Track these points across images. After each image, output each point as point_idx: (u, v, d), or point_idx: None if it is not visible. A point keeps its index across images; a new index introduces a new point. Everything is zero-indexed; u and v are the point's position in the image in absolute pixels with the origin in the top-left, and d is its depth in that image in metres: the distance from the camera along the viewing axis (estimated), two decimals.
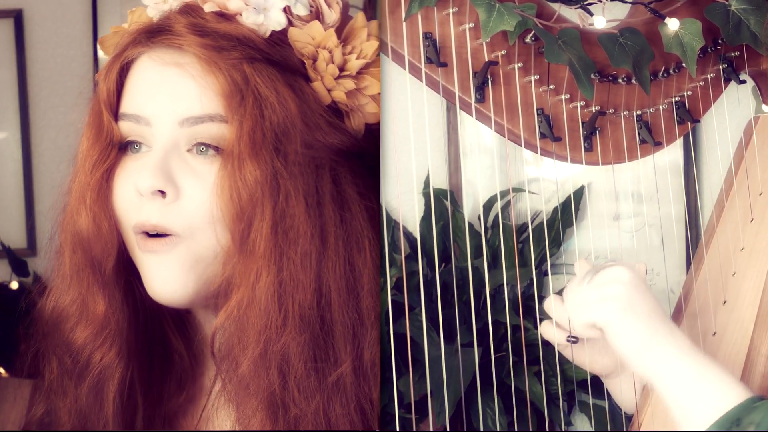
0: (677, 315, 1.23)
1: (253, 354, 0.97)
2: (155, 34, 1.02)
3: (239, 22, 1.02)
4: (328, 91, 1.02)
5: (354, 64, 1.03)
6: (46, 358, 1.09)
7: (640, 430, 1.14)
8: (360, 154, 1.03)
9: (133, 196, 1.01)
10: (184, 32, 1.01)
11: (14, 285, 1.99)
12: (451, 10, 1.11)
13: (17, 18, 2.21)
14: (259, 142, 0.98)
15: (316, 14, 1.05)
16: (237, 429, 1.00)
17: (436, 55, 1.11)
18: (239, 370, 0.98)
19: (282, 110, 0.99)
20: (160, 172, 0.99)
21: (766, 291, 1.18)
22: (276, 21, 1.02)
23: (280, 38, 1.03)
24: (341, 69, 1.02)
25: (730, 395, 0.98)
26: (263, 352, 0.97)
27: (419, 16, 1.10)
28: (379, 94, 1.04)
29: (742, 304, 1.19)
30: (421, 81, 1.12)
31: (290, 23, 1.03)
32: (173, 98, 1.00)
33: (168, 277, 1.01)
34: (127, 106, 1.03)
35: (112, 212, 1.03)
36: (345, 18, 1.06)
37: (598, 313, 1.05)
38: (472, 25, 1.11)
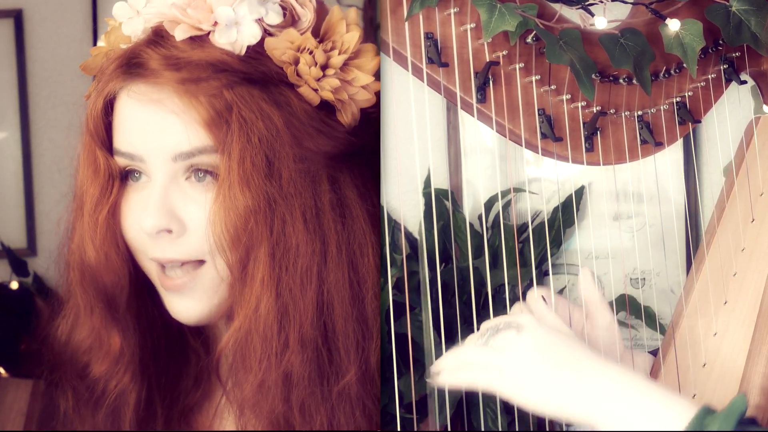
0: (678, 315, 1.23)
1: (256, 378, 0.97)
2: (131, 68, 1.00)
3: (212, 44, 0.99)
4: (315, 91, 1.01)
5: (337, 60, 1.00)
6: (60, 388, 1.10)
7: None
8: (357, 153, 1.02)
9: (142, 233, 1.01)
10: (159, 68, 0.98)
11: (14, 285, 1.99)
12: (452, 11, 1.11)
13: (17, 18, 2.21)
14: (248, 170, 0.97)
15: (291, 18, 1.02)
16: None
17: (437, 56, 1.11)
18: (243, 393, 0.98)
19: (269, 131, 0.98)
20: (162, 210, 0.99)
21: (767, 291, 1.18)
22: (250, 34, 0.99)
23: (256, 51, 1.00)
24: (325, 67, 1.00)
25: (678, 411, 0.94)
26: (265, 378, 0.97)
27: (420, 17, 1.10)
28: (372, 83, 1.02)
29: (742, 305, 1.19)
30: (423, 81, 1.12)
31: (265, 33, 1.01)
32: (161, 136, 0.99)
33: (192, 307, 1.02)
34: (119, 143, 1.02)
35: (122, 245, 1.03)
36: (321, 14, 1.03)
37: (494, 384, 1.00)
38: (473, 25, 1.11)
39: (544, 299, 1.11)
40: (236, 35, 0.99)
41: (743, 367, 1.14)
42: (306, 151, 0.99)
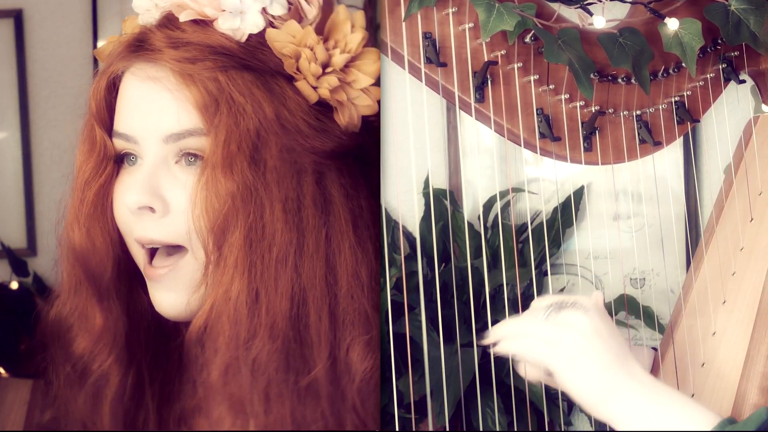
0: (677, 315, 1.23)
1: (223, 362, 0.97)
2: (136, 48, 1.02)
3: (215, 29, 1.01)
4: (314, 89, 1.01)
5: (338, 59, 1.01)
6: (52, 366, 1.10)
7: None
8: (348, 153, 1.02)
9: (128, 211, 1.02)
10: (161, 46, 1.00)
11: (14, 285, 1.99)
12: (450, 10, 1.11)
13: (17, 18, 2.21)
14: (233, 153, 0.98)
15: (296, 12, 1.03)
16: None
17: (435, 55, 1.11)
18: (210, 378, 0.98)
19: (258, 117, 0.98)
20: (147, 188, 0.99)
21: (766, 290, 1.18)
22: (253, 23, 1.01)
23: (258, 41, 1.01)
24: (326, 65, 1.01)
25: (701, 423, 0.95)
26: (232, 361, 0.97)
27: (419, 16, 1.10)
28: (372, 86, 1.02)
29: (741, 304, 1.19)
30: (421, 81, 1.12)
31: (269, 24, 1.02)
32: (154, 116, 1.00)
33: (172, 300, 1.02)
34: (118, 124, 1.03)
35: (111, 226, 1.04)
36: (326, 12, 1.04)
37: (548, 357, 1.00)
38: (471, 24, 1.11)
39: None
40: (239, 23, 1.01)
41: (742, 366, 1.14)
42: (294, 143, 0.99)
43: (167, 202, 1.00)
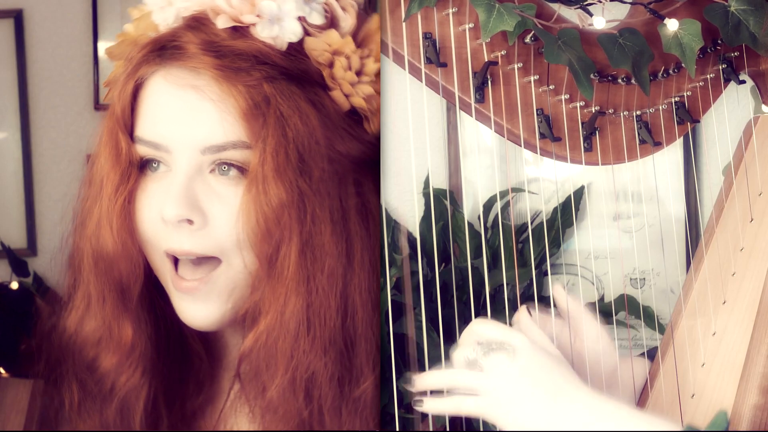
0: (677, 315, 1.23)
1: (282, 380, 0.96)
2: (166, 51, 0.99)
3: (253, 36, 0.99)
4: (347, 97, 1.00)
5: (372, 68, 1.01)
6: (66, 381, 1.08)
7: None
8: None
9: (160, 222, 0.99)
10: (198, 52, 0.97)
11: (14, 285, 1.99)
12: (450, 11, 1.11)
13: (17, 18, 2.21)
14: (283, 164, 0.96)
15: (331, 20, 1.02)
16: None
17: (435, 56, 1.11)
18: (267, 395, 0.97)
19: (305, 128, 0.97)
20: (185, 200, 0.97)
21: (766, 291, 1.18)
22: (291, 32, 0.99)
23: (296, 49, 1.00)
24: (359, 73, 1.00)
25: None
26: (292, 379, 0.96)
27: (419, 17, 1.10)
28: None
29: (741, 304, 1.19)
30: (421, 81, 1.12)
31: (306, 32, 1.01)
32: (193, 125, 0.97)
33: (204, 312, 1.01)
34: (144, 131, 1.00)
35: (137, 235, 1.02)
36: (361, 21, 1.03)
37: (479, 410, 1.00)
38: (471, 25, 1.11)
39: (529, 311, 1.10)
40: (278, 31, 0.99)
41: (742, 366, 1.14)
42: (335, 153, 0.98)
43: (206, 214, 0.98)
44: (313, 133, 0.97)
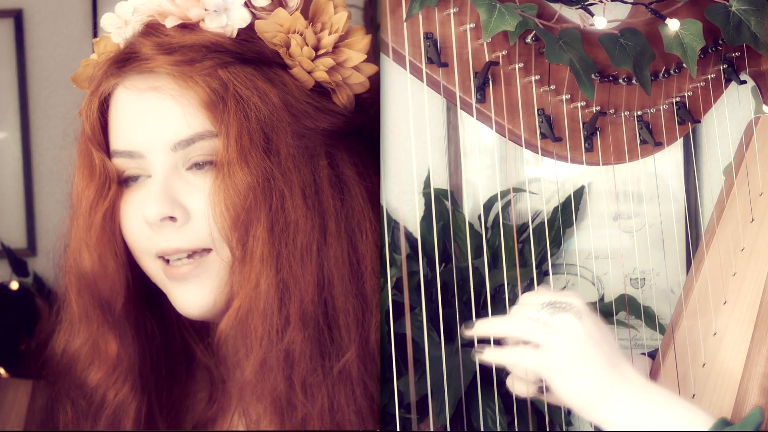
0: (677, 315, 1.23)
1: (257, 359, 0.96)
2: (124, 62, 1.01)
3: (203, 29, 1.00)
4: (309, 73, 1.01)
5: (328, 40, 1.01)
6: (59, 401, 1.08)
7: None
8: (354, 131, 1.02)
9: (145, 227, 1.00)
10: (152, 54, 0.99)
11: (14, 285, 1.99)
12: (452, 11, 1.11)
13: (17, 18, 2.21)
14: (247, 146, 0.97)
15: (279, 1, 1.03)
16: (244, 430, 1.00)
17: (436, 55, 1.11)
18: (244, 376, 0.97)
19: (266, 107, 0.98)
20: (165, 198, 0.98)
21: (767, 291, 1.18)
22: (240, 18, 1.01)
23: (248, 34, 1.01)
24: (316, 49, 1.01)
25: (696, 424, 0.96)
26: (266, 356, 0.96)
27: (420, 17, 1.10)
28: (364, 64, 1.02)
29: (742, 305, 1.19)
30: (422, 81, 1.12)
31: (255, 17, 1.02)
32: (159, 125, 0.99)
33: (196, 295, 1.01)
34: (117, 142, 1.02)
35: (121, 250, 1.02)
36: None
37: (540, 365, 0.99)
38: (473, 25, 1.11)
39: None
40: (226, 20, 1.01)
41: (743, 366, 1.14)
42: (303, 128, 0.99)
43: (187, 209, 0.99)
44: (276, 111, 0.98)
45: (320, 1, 1.03)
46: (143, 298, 1.05)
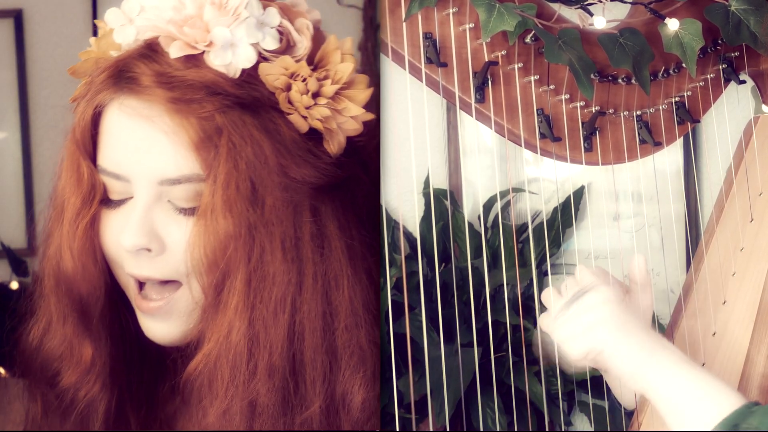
0: (677, 315, 1.23)
1: (221, 406, 0.96)
2: (122, 81, 0.99)
3: (206, 64, 0.98)
4: (305, 119, 0.99)
5: (329, 89, 0.99)
6: (30, 393, 1.08)
7: (640, 429, 1.14)
8: (340, 185, 1.01)
9: (121, 246, 1.00)
10: (151, 85, 0.97)
11: (14, 285, 1.99)
12: (451, 10, 1.11)
13: (17, 18, 2.21)
14: (233, 195, 0.96)
15: (287, 43, 1.00)
16: None
17: (436, 55, 1.11)
18: (207, 419, 0.97)
19: (257, 159, 0.96)
20: (142, 230, 0.97)
21: (766, 291, 1.18)
22: (245, 58, 0.98)
23: (250, 74, 0.98)
24: (316, 95, 0.99)
25: (726, 402, 0.97)
26: (230, 406, 0.96)
27: (419, 16, 1.10)
28: (361, 114, 1.00)
29: (742, 304, 1.19)
30: (421, 81, 1.12)
31: (260, 58, 0.99)
32: (149, 158, 0.97)
33: (167, 330, 1.01)
34: (104, 161, 1.00)
35: (100, 256, 1.02)
36: (317, 41, 1.02)
37: (592, 341, 1.03)
38: (472, 25, 1.11)
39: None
40: (231, 57, 0.98)
41: (742, 366, 1.14)
42: (291, 181, 0.98)
43: (163, 242, 0.98)
44: (266, 162, 0.97)
45: (329, 48, 1.01)
46: (120, 301, 1.05)
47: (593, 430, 1.00)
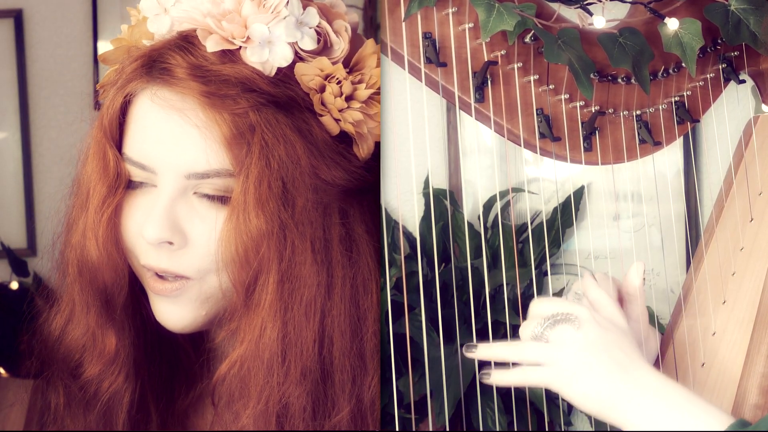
0: (677, 315, 1.23)
1: (255, 409, 0.96)
2: (154, 70, 0.98)
3: (242, 60, 0.97)
4: (337, 121, 0.99)
5: (362, 93, 0.99)
6: (52, 384, 1.08)
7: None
8: (369, 189, 1.01)
9: (141, 237, 0.99)
10: (185, 76, 0.96)
11: (14, 285, 1.99)
12: (450, 10, 1.11)
13: (17, 18, 2.21)
14: (265, 194, 0.95)
15: (324, 45, 1.00)
16: None
17: (435, 55, 1.11)
18: (239, 422, 0.97)
19: (290, 158, 0.96)
20: (166, 222, 0.97)
21: (766, 291, 1.18)
22: (282, 56, 0.97)
23: (285, 73, 0.98)
24: (349, 98, 0.99)
25: (713, 423, 0.95)
26: (264, 409, 0.96)
27: (419, 16, 1.10)
28: None
29: (741, 304, 1.19)
30: (421, 81, 1.12)
31: (296, 57, 0.99)
32: (178, 151, 0.97)
33: (178, 315, 1.01)
34: (131, 150, 1.00)
35: (122, 244, 1.02)
36: (354, 44, 1.01)
37: (546, 380, 1.00)
38: (471, 25, 1.11)
39: (594, 277, 1.11)
40: (268, 55, 0.97)
41: (742, 366, 1.14)
42: (321, 183, 0.97)
43: (186, 236, 0.98)
44: (298, 163, 0.96)
45: (365, 52, 1.00)
46: (142, 290, 1.05)
47: (593, 430, 1.00)
